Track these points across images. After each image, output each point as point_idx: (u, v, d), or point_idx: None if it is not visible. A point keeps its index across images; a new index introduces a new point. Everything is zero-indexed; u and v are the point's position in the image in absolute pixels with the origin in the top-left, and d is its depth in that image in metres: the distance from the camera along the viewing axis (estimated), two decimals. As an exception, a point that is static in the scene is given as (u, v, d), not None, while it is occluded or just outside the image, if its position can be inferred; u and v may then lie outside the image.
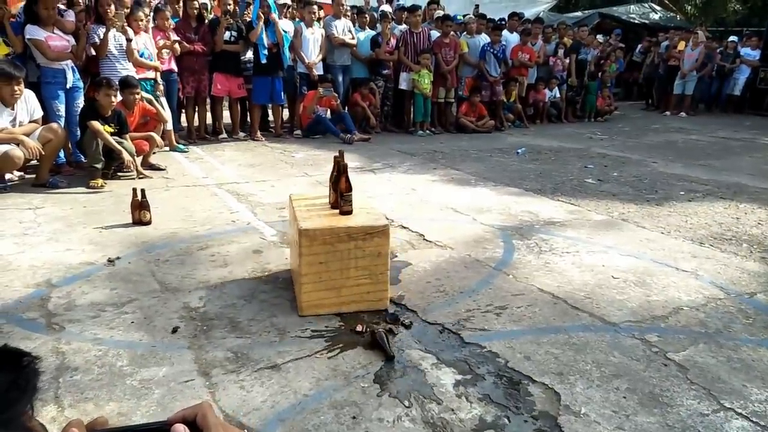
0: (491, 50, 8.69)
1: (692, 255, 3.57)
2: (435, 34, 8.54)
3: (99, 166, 4.87)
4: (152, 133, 5.16)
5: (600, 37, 11.52)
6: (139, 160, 5.22)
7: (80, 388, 2.08)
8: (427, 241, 3.74)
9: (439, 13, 9.24)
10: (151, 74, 6.02)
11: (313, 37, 7.63)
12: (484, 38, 8.82)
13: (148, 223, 3.90)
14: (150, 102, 5.55)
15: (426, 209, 4.47)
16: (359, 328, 2.53)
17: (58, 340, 2.39)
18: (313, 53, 7.65)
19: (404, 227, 4.01)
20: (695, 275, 3.24)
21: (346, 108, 8.07)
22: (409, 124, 8.60)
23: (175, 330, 2.50)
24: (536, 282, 3.08)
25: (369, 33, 8.22)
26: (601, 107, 10.50)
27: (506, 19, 9.99)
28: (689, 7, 20.04)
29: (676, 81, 11.25)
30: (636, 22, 14.82)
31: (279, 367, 2.24)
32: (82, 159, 5.17)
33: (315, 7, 7.58)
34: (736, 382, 2.18)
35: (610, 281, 3.10)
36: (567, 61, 9.83)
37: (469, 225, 4.10)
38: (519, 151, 7.05)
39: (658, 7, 16.50)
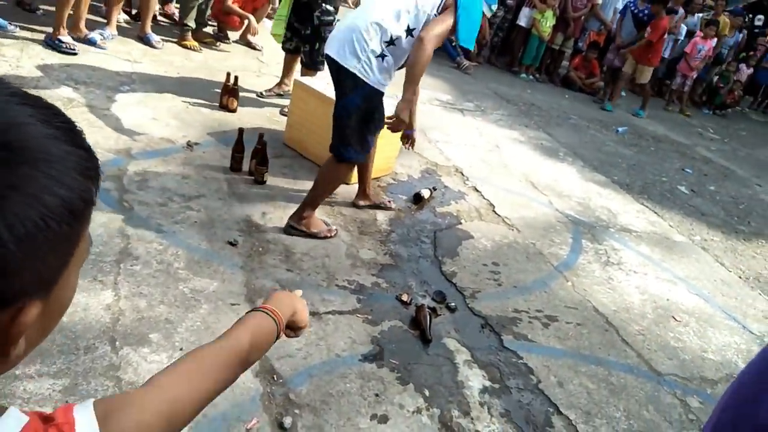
0: (634, 8, 7.61)
1: (764, 315, 3.35)
2: (573, -27, 7.77)
3: (192, 25, 4.83)
4: (251, 17, 5.01)
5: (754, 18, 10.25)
6: (235, 35, 5.15)
7: (137, 280, 2.19)
8: (496, 214, 3.63)
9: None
10: None
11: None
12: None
13: (234, 110, 3.90)
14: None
15: (505, 176, 4.30)
16: (405, 297, 2.53)
17: (127, 221, 2.50)
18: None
19: (477, 190, 3.88)
20: (761, 341, 3.05)
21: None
22: (514, 63, 8.11)
23: (233, 243, 2.57)
24: (594, 298, 2.97)
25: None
26: (725, 99, 9.55)
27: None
28: None
29: None
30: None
31: (320, 317, 2.29)
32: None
33: None
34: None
35: (669, 322, 2.96)
36: (710, 42, 8.71)
37: (543, 208, 3.94)
38: (619, 129, 6.58)
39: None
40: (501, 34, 8.10)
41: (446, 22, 2.46)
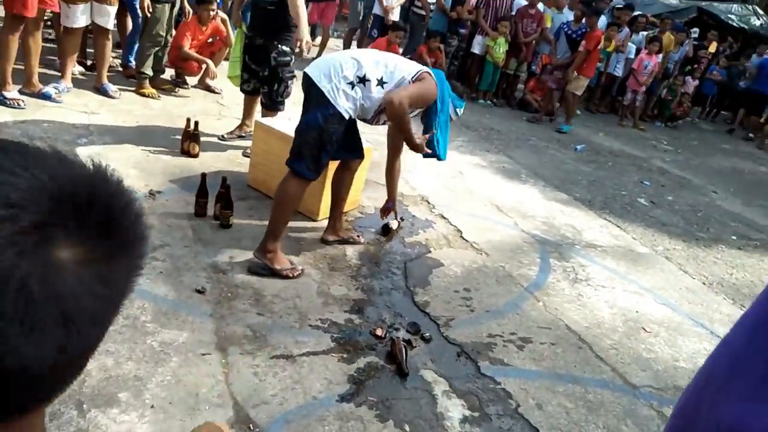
0: (567, 30, 7.81)
1: (730, 319, 3.44)
2: (521, 2, 8.07)
3: (149, 72, 4.84)
4: (209, 61, 5.05)
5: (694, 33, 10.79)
6: (194, 80, 5.17)
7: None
8: (464, 239, 3.67)
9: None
10: None
11: (397, -20, 7.30)
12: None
13: (196, 155, 3.89)
14: (224, 22, 5.39)
15: (470, 201, 4.36)
16: (379, 332, 2.52)
17: (90, 277, 2.44)
18: (393, -3, 7.35)
19: (444, 218, 3.93)
20: (728, 345, 3.12)
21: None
22: (472, 90, 8.30)
23: (201, 291, 2.53)
24: (565, 316, 3.01)
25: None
26: (675, 111, 9.93)
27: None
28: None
29: None
30: (734, 25, 13.75)
31: (294, 359, 2.26)
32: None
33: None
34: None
35: (640, 333, 3.02)
36: (655, 58, 9.05)
37: (509, 230, 4.00)
38: (577, 147, 6.77)
39: (762, 12, 15.25)
40: (456, 62, 8.30)
41: (419, 90, 2.71)
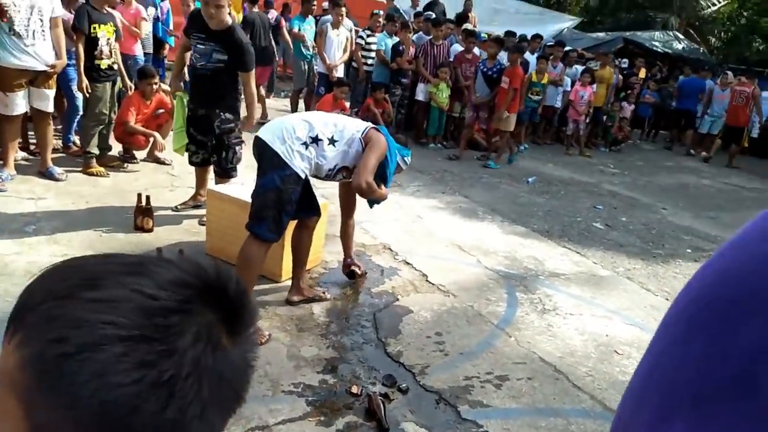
0: (483, 68, 7.79)
1: (696, 330, 3.51)
2: (457, 48, 8.42)
3: (95, 151, 4.78)
4: (156, 134, 5.05)
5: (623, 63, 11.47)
6: (142, 154, 5.13)
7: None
8: (430, 283, 3.68)
9: (467, 26, 9.10)
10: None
11: (338, 39, 7.52)
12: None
13: (150, 230, 3.82)
14: (168, 94, 5.40)
15: (431, 243, 4.40)
16: (355, 389, 2.47)
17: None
18: (336, 55, 7.54)
19: (408, 263, 3.94)
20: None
21: (358, 113, 7.96)
22: (421, 135, 8.50)
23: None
24: (538, 349, 3.02)
25: (395, 40, 8.10)
26: (617, 135, 10.38)
27: (528, 39, 9.79)
28: (713, 41, 19.89)
29: (704, 119, 10.97)
30: (659, 51, 14.66)
31: (270, 429, 2.18)
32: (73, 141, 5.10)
33: (343, 9, 7.44)
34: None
35: (613, 357, 3.05)
36: (590, 89, 9.50)
37: (473, 268, 4.04)
38: (529, 180, 6.96)
39: (682, 37, 16.34)
40: (403, 110, 8.52)
41: (376, 157, 2.82)
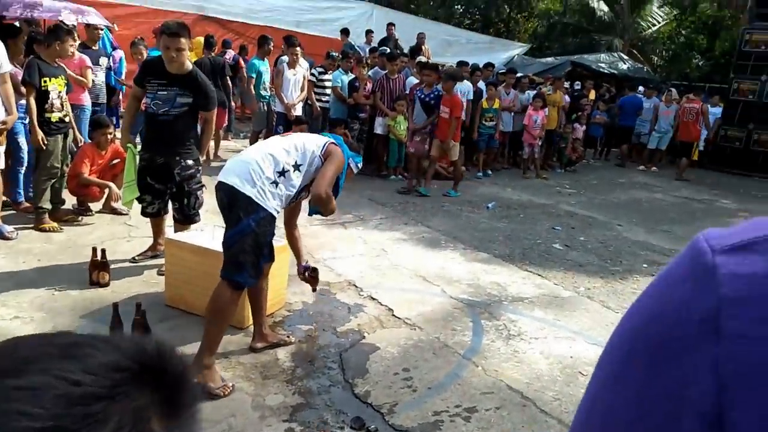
0: (420, 95, 7.67)
1: (657, 345, 3.60)
2: (412, 80, 8.60)
3: (48, 206, 4.67)
4: (111, 184, 4.98)
5: (568, 85, 11.90)
6: (98, 206, 5.04)
7: None
8: (396, 317, 3.68)
9: (422, 59, 9.32)
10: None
11: (295, 78, 7.62)
12: (466, 85, 8.95)
13: (107, 284, 3.73)
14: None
15: (396, 276, 4.42)
16: (323, 435, 2.43)
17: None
18: (293, 94, 7.62)
19: (373, 299, 3.94)
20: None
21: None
22: (382, 168, 8.59)
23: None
24: (505, 376, 3.04)
25: (351, 76, 8.24)
26: (571, 156, 10.70)
27: (480, 68, 10.08)
28: (656, 59, 20.84)
29: (652, 135, 11.45)
30: (605, 72, 15.28)
31: (236, 486, 2.12)
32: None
33: (298, 48, 7.55)
34: None
35: (578, 378, 3.09)
36: (542, 112, 9.78)
37: (438, 298, 4.06)
38: (489, 205, 7.09)
39: (626, 57, 17.09)
40: (363, 144, 8.60)
41: (334, 169, 2.88)
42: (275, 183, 2.75)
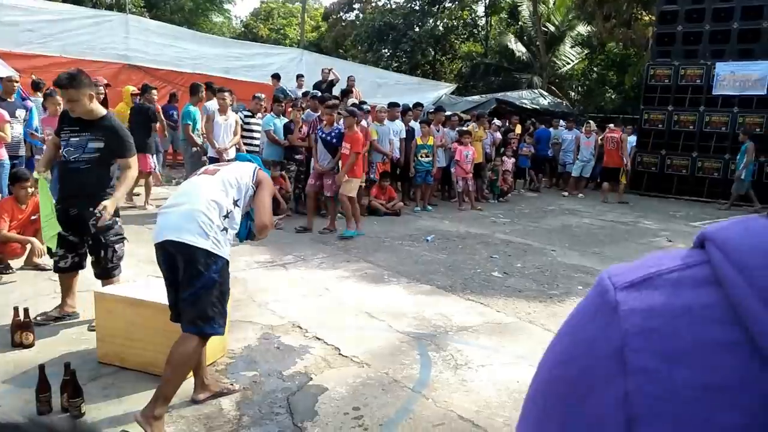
0: (321, 134, 7.46)
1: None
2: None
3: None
4: (33, 239, 4.72)
5: (497, 122, 12.46)
6: (20, 262, 4.74)
7: None
8: (343, 356, 3.63)
9: (353, 100, 9.51)
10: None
11: (227, 123, 7.57)
12: (398, 125, 9.19)
13: (32, 345, 3.48)
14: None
15: (340, 314, 4.37)
16: (274, 483, 2.33)
17: None
18: (225, 139, 7.56)
19: (319, 338, 3.87)
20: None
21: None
22: (321, 207, 8.57)
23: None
24: (456, 407, 3.04)
25: (285, 120, 8.30)
26: (502, 187, 11.11)
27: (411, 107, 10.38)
28: (573, 94, 22.20)
29: (575, 164, 12.16)
30: (528, 107, 16.09)
31: None
32: None
33: (226, 94, 7.53)
34: None
35: (525, 402, 3.13)
36: (471, 147, 10.12)
37: (384, 333, 4.04)
38: (428, 238, 7.20)
39: (546, 93, 18.10)
40: (300, 185, 8.60)
41: (270, 195, 3.03)
42: (225, 230, 2.77)
